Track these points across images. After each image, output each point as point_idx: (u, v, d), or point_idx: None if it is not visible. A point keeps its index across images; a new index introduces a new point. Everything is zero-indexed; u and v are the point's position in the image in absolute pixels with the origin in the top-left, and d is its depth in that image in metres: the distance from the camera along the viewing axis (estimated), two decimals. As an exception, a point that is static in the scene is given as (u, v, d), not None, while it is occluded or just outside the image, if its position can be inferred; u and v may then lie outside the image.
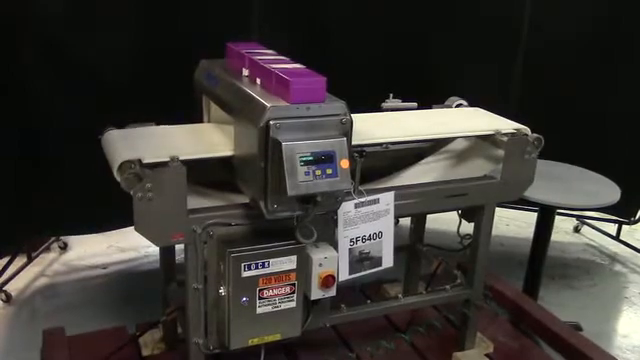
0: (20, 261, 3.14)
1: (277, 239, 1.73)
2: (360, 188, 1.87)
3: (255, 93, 1.70)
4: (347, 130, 1.66)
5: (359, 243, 1.92)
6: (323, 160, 1.61)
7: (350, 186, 1.69)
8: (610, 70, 3.18)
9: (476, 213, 2.16)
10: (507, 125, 2.14)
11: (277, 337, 1.82)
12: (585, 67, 3.19)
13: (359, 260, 1.94)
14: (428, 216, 2.48)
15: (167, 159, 1.65)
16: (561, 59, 3.16)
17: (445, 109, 2.37)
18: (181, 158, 1.66)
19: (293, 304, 1.78)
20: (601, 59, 3.17)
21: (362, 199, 1.88)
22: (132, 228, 1.64)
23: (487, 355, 2.35)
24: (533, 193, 2.38)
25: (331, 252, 1.80)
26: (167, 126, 1.97)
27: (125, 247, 3.46)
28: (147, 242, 1.68)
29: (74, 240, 3.46)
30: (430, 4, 3.03)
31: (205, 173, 1.90)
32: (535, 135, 2.07)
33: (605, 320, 3.12)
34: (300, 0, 2.87)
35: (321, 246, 1.80)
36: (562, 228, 3.94)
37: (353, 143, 1.71)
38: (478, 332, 2.36)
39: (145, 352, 2.25)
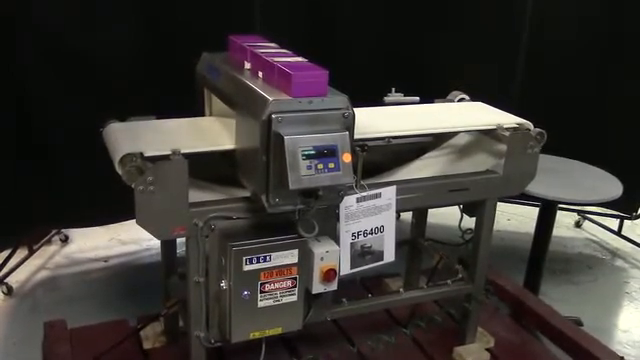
0: (21, 254, 3.14)
1: (279, 233, 1.73)
2: (362, 182, 1.86)
3: (257, 86, 1.69)
4: (349, 124, 1.66)
5: (361, 237, 1.92)
6: (325, 154, 1.60)
7: (352, 180, 1.68)
8: (611, 69, 3.18)
9: (478, 208, 2.16)
10: (509, 120, 2.14)
11: (278, 331, 1.82)
12: (586, 66, 3.18)
13: (361, 254, 1.94)
14: (430, 210, 2.48)
15: (169, 152, 1.65)
16: (562, 58, 3.16)
17: (447, 103, 2.36)
18: (183, 151, 1.66)
19: (294, 298, 1.78)
20: (602, 58, 3.17)
21: (364, 193, 1.87)
22: (133, 221, 1.64)
23: (488, 349, 2.35)
24: (535, 188, 2.38)
25: (332, 246, 1.80)
26: (168, 119, 1.97)
27: (126, 240, 3.47)
28: (148, 235, 1.67)
29: (75, 233, 3.46)
30: (433, 2, 3.03)
31: (206, 166, 1.90)
32: (537, 130, 2.07)
33: (606, 315, 3.13)
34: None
35: (323, 240, 1.80)
36: (563, 223, 3.94)
37: (355, 137, 1.70)
38: (479, 326, 2.36)
39: (146, 345, 2.25)
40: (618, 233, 3.78)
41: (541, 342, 2.52)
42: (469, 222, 2.22)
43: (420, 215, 2.49)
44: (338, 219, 1.86)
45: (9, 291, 2.95)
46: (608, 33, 3.13)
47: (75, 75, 2.55)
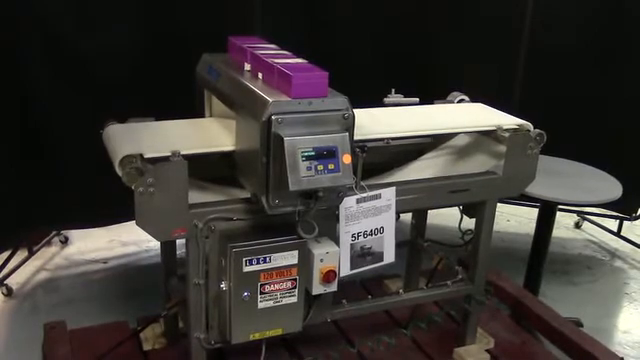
0: (21, 255, 3.14)
1: (278, 234, 1.73)
2: (362, 183, 1.86)
3: (257, 88, 1.69)
4: (349, 125, 1.66)
5: (360, 238, 1.92)
6: (325, 155, 1.60)
7: (352, 181, 1.68)
8: (611, 69, 3.18)
9: (477, 209, 2.15)
10: (509, 121, 2.14)
11: (278, 332, 1.82)
12: (586, 66, 3.19)
13: (360, 255, 1.94)
14: (429, 211, 2.48)
15: (168, 154, 1.65)
16: (562, 58, 3.16)
17: (447, 104, 2.36)
18: (183, 153, 1.66)
19: (294, 299, 1.78)
20: (602, 58, 3.17)
21: (364, 194, 1.87)
22: (133, 223, 1.64)
23: (488, 350, 2.34)
24: (534, 189, 2.38)
25: (332, 247, 1.80)
26: (168, 121, 1.97)
27: (126, 241, 3.47)
28: (148, 236, 1.67)
29: (75, 234, 3.46)
30: (433, 2, 3.03)
31: (206, 168, 1.90)
32: (537, 131, 2.07)
33: (606, 316, 3.13)
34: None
35: (322, 241, 1.80)
36: (563, 224, 3.95)
37: (355, 138, 1.71)
38: (479, 327, 2.36)
39: (146, 346, 2.25)
40: (617, 234, 3.79)
41: (541, 343, 2.52)
42: (469, 223, 2.22)
43: (420, 216, 2.49)
44: (338, 220, 1.86)
45: (9, 292, 2.95)
46: (608, 33, 3.14)
47: (74, 76, 2.55)
